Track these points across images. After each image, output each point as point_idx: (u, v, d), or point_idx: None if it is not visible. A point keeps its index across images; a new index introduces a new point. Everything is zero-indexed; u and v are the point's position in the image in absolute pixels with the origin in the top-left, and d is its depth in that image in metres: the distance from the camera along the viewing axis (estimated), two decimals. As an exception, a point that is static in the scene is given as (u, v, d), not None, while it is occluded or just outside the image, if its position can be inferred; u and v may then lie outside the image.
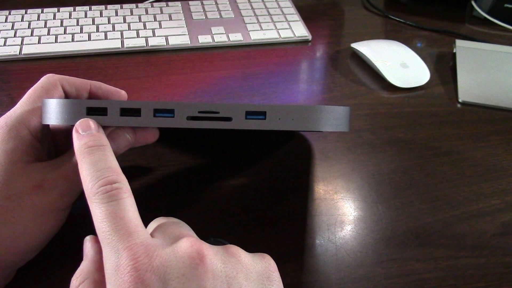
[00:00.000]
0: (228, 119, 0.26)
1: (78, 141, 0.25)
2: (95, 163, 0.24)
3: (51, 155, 0.30)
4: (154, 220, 0.26)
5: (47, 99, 0.27)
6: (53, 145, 0.32)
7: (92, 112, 0.26)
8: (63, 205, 0.28)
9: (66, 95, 0.31)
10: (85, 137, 0.25)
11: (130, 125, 0.27)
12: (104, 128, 0.28)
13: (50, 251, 0.30)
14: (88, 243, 0.25)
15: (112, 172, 0.24)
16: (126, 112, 0.26)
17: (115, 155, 0.29)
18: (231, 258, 0.22)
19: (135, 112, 0.26)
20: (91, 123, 0.26)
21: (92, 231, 0.33)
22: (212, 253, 0.22)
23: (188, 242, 0.21)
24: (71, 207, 0.30)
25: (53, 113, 0.27)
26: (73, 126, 0.27)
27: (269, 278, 0.23)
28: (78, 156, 0.25)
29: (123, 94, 0.34)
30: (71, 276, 0.30)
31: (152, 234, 0.23)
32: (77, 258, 0.31)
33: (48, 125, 0.31)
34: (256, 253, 0.24)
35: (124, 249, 0.21)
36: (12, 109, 0.29)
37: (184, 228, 0.25)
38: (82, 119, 0.26)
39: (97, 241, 0.25)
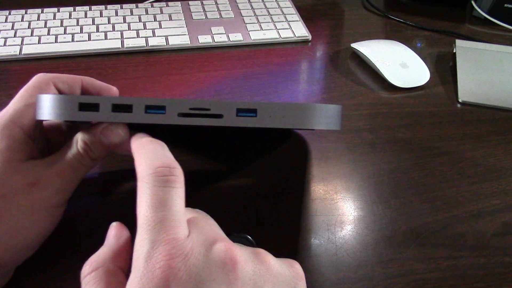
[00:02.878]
0: (219, 116, 0.26)
1: (136, 141, 0.26)
2: (154, 151, 0.24)
3: (45, 153, 0.30)
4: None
5: (41, 94, 0.28)
6: (46, 143, 0.32)
7: (84, 107, 0.26)
8: (58, 202, 0.28)
9: (60, 93, 0.31)
10: (143, 136, 0.26)
11: (121, 121, 0.27)
12: (97, 124, 0.28)
13: (47, 249, 0.30)
14: (112, 230, 0.25)
15: (171, 160, 0.24)
16: (118, 108, 0.27)
17: (107, 150, 0.29)
18: (261, 266, 0.22)
19: (127, 108, 0.27)
20: (146, 134, 0.27)
21: (89, 229, 0.33)
22: (243, 260, 0.22)
23: (223, 246, 0.22)
24: (67, 204, 0.30)
25: (47, 109, 0.27)
26: (67, 122, 0.27)
27: (296, 287, 0.23)
28: (135, 149, 0.25)
29: (114, 90, 0.34)
30: (69, 273, 0.30)
31: (188, 229, 0.23)
32: (75, 255, 0.31)
33: (41, 123, 0.31)
34: (286, 260, 0.24)
35: (162, 241, 0.20)
36: (5, 108, 0.29)
37: (215, 227, 0.25)
38: (140, 133, 0.27)
39: (122, 229, 0.25)
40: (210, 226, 0.24)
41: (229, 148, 0.41)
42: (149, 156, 0.24)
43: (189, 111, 0.26)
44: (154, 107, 0.26)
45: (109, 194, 0.37)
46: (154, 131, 0.28)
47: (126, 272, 0.24)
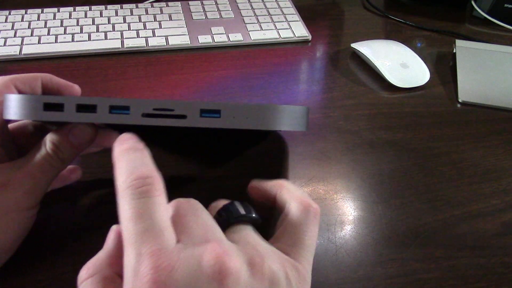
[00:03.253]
0: (183, 116, 0.27)
1: (117, 148, 0.25)
2: (132, 161, 0.24)
3: (13, 157, 0.30)
4: (172, 202, 0.25)
5: (8, 94, 0.28)
6: (14, 146, 0.32)
7: (48, 107, 0.26)
8: (29, 204, 0.28)
9: (21, 93, 0.31)
10: (124, 143, 0.25)
11: (86, 121, 0.27)
12: (65, 124, 0.28)
13: (23, 252, 0.30)
14: (111, 234, 0.25)
15: (146, 169, 0.23)
16: (82, 108, 0.27)
17: (77, 151, 0.29)
18: (254, 276, 0.21)
19: (91, 108, 0.27)
20: (130, 135, 0.26)
21: (65, 230, 0.33)
22: (235, 271, 0.21)
23: (214, 253, 0.21)
24: (39, 206, 0.30)
25: (13, 108, 0.27)
26: (35, 122, 0.26)
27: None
28: (115, 159, 0.25)
29: (76, 88, 0.34)
30: (44, 276, 0.30)
31: (177, 234, 0.22)
32: (51, 258, 0.31)
33: (7, 127, 0.31)
34: (283, 258, 0.24)
35: (146, 254, 0.20)
36: None
37: (207, 221, 0.24)
38: (124, 134, 0.26)
39: (120, 235, 0.24)
40: (201, 224, 0.23)
41: (229, 149, 0.41)
42: (126, 167, 0.23)
43: (153, 111, 0.26)
44: (118, 107, 0.26)
45: (97, 196, 0.37)
46: (138, 131, 0.28)
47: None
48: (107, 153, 0.35)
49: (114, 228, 0.25)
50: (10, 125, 0.32)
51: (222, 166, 0.40)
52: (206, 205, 0.36)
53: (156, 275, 0.19)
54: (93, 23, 0.59)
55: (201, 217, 0.24)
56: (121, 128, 0.32)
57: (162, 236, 0.21)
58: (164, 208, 0.22)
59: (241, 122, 0.27)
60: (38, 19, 0.59)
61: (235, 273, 0.20)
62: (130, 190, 0.22)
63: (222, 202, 0.29)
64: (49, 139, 0.29)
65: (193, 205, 0.25)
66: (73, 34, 0.57)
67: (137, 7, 0.63)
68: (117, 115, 0.27)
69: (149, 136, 0.42)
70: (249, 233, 0.25)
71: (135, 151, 0.25)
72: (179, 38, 0.57)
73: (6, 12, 0.60)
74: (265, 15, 0.63)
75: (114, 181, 0.24)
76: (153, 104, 0.27)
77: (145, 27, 0.59)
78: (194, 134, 0.43)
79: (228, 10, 0.63)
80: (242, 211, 0.27)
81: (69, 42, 0.55)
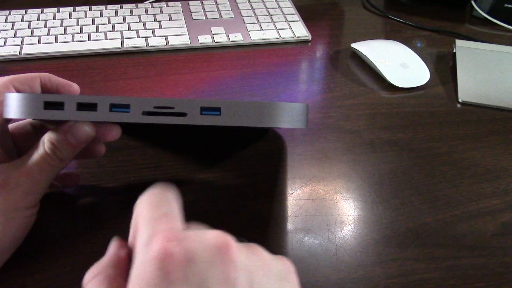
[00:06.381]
0: (183, 114, 0.27)
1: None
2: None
3: (13, 158, 0.30)
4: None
5: (8, 93, 0.28)
6: (14, 147, 0.32)
7: (49, 106, 0.26)
8: (28, 204, 0.29)
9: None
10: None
11: (86, 119, 0.27)
12: (63, 121, 0.28)
13: (23, 252, 0.31)
14: (113, 242, 0.26)
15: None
16: (82, 106, 0.27)
17: (75, 149, 0.30)
18: (253, 255, 0.23)
19: (92, 107, 0.27)
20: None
21: (65, 230, 0.33)
22: (237, 247, 0.22)
23: (216, 233, 0.22)
24: (39, 206, 0.30)
25: (13, 107, 0.27)
26: (35, 121, 0.26)
27: (287, 279, 0.23)
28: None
29: (75, 87, 0.34)
30: (44, 276, 0.30)
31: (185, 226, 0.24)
32: (51, 258, 0.31)
33: (8, 127, 0.31)
34: (276, 255, 0.25)
35: (160, 230, 0.21)
36: None
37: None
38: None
39: (123, 244, 0.26)
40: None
41: (229, 149, 0.41)
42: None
43: (153, 109, 0.27)
44: (118, 105, 0.27)
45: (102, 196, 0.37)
46: (138, 129, 0.28)
47: (126, 279, 0.24)
48: (107, 153, 0.35)
49: (114, 239, 0.26)
50: (10, 125, 0.32)
51: (222, 165, 0.40)
52: (207, 206, 0.36)
53: (166, 243, 0.20)
54: (93, 23, 0.59)
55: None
56: (121, 126, 0.32)
57: (176, 222, 0.22)
58: (178, 204, 0.24)
59: (241, 119, 0.27)
60: (38, 19, 0.59)
61: (238, 248, 0.22)
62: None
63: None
64: (48, 138, 0.29)
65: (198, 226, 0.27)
66: (73, 34, 0.57)
67: (137, 7, 0.63)
68: (118, 113, 0.27)
69: (149, 134, 0.43)
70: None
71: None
72: (179, 38, 0.57)
73: (6, 12, 0.60)
74: (265, 15, 0.63)
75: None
76: (154, 102, 0.27)
77: (145, 27, 0.59)
78: (194, 132, 0.43)
79: (228, 10, 0.63)
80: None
81: (69, 42, 0.55)
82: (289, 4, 0.66)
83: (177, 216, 0.23)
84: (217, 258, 0.21)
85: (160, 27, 0.59)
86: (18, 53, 0.54)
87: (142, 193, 0.24)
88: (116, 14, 0.61)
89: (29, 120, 0.34)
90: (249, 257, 0.22)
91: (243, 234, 0.32)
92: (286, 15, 0.63)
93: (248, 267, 0.22)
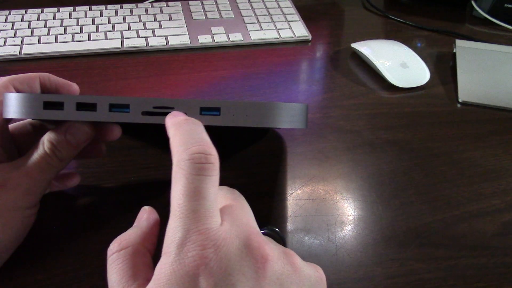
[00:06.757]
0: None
1: (172, 119, 0.25)
2: (191, 132, 0.23)
3: (13, 157, 0.30)
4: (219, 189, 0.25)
5: (8, 93, 0.28)
6: (14, 147, 0.32)
7: (48, 106, 0.26)
8: (27, 204, 0.29)
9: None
10: (179, 115, 0.25)
11: (86, 119, 0.27)
12: (62, 121, 0.28)
13: (23, 252, 0.30)
14: (144, 213, 0.25)
15: (208, 145, 0.23)
16: (82, 106, 0.27)
17: (75, 149, 0.29)
18: (289, 267, 0.22)
19: (91, 107, 0.27)
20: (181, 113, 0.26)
21: (65, 230, 0.33)
22: (273, 259, 0.22)
23: (256, 243, 0.22)
24: (38, 206, 0.30)
25: (13, 107, 0.27)
26: (35, 121, 0.26)
27: None
28: (171, 129, 0.24)
29: (74, 87, 0.34)
30: (44, 276, 0.30)
31: (221, 218, 0.23)
32: (51, 258, 0.31)
33: (7, 127, 0.31)
34: (311, 264, 0.25)
35: (195, 231, 0.20)
36: None
37: (249, 216, 0.25)
38: (175, 111, 0.26)
39: (153, 213, 0.25)
40: (244, 217, 0.24)
41: (229, 149, 0.41)
42: (185, 138, 0.23)
43: (153, 109, 0.27)
44: (118, 105, 0.27)
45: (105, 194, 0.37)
46: (138, 129, 0.28)
47: (153, 255, 0.24)
48: (107, 153, 0.35)
49: (145, 208, 0.26)
50: (10, 125, 0.32)
51: (222, 165, 0.40)
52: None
53: (203, 251, 0.20)
54: (93, 23, 0.59)
55: (246, 212, 0.25)
56: (122, 126, 0.32)
57: (212, 217, 0.21)
58: (216, 190, 0.23)
59: (241, 119, 0.27)
60: (38, 19, 0.59)
61: (274, 260, 0.22)
62: (189, 164, 0.22)
63: None
64: (47, 138, 0.29)
65: (240, 199, 0.26)
66: (73, 34, 0.57)
67: (137, 7, 0.63)
68: (117, 113, 0.27)
69: (150, 134, 0.43)
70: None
71: (194, 124, 0.24)
72: (179, 38, 0.57)
73: (6, 12, 0.60)
74: (265, 15, 0.63)
75: (170, 149, 0.23)
76: (153, 102, 0.27)
77: (145, 27, 0.59)
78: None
79: (228, 10, 0.63)
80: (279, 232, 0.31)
81: (69, 42, 0.55)
82: (289, 4, 0.66)
83: (213, 209, 0.22)
84: (251, 272, 0.21)
85: (160, 27, 0.59)
86: (18, 53, 0.54)
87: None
88: (116, 14, 0.61)
89: (29, 120, 0.34)
90: (284, 270, 0.22)
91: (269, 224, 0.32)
92: (286, 15, 0.63)
93: (281, 281, 0.21)
